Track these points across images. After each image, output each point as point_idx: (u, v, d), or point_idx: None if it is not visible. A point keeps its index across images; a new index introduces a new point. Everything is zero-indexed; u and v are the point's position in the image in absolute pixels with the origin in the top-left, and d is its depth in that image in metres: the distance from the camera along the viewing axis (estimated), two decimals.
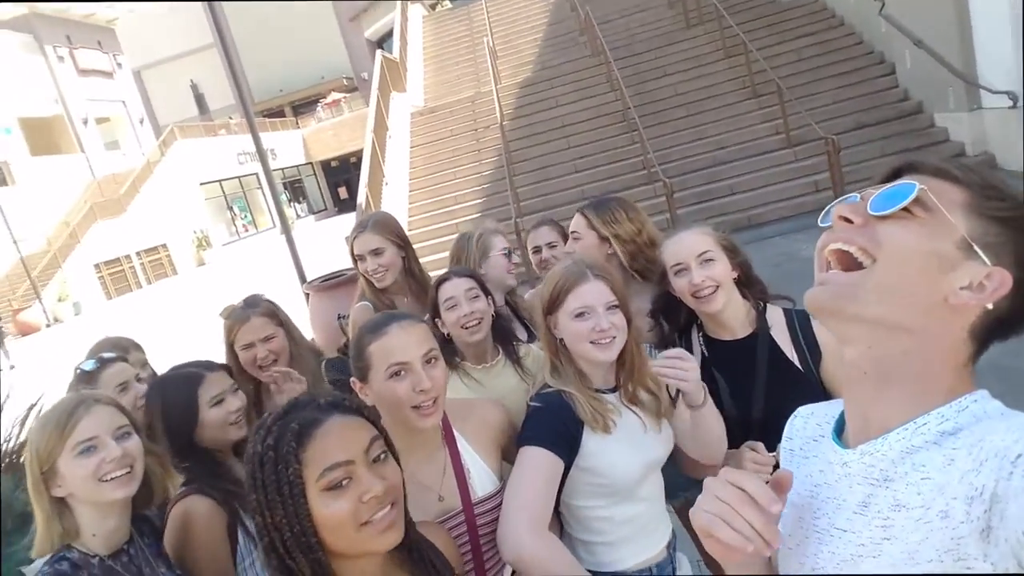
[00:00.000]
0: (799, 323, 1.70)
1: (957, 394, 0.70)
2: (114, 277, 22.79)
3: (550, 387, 1.52)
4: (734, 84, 10.25)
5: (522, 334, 2.20)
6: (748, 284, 1.75)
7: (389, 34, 17.09)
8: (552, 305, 1.52)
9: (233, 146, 29.91)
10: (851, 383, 0.76)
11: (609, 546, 1.52)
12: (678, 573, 1.63)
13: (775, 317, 1.73)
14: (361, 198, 9.43)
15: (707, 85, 10.47)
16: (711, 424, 1.54)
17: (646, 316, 1.88)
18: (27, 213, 21.39)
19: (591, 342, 1.47)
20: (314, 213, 34.67)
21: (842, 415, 0.81)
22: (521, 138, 11.01)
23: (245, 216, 31.72)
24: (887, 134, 8.49)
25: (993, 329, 0.71)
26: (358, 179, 10.02)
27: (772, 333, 1.70)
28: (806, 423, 0.88)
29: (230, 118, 32.66)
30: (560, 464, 1.41)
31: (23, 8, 24.79)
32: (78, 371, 2.10)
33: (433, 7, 21.97)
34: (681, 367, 1.46)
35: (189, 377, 1.72)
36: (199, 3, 32.78)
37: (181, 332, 10.67)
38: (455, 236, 2.56)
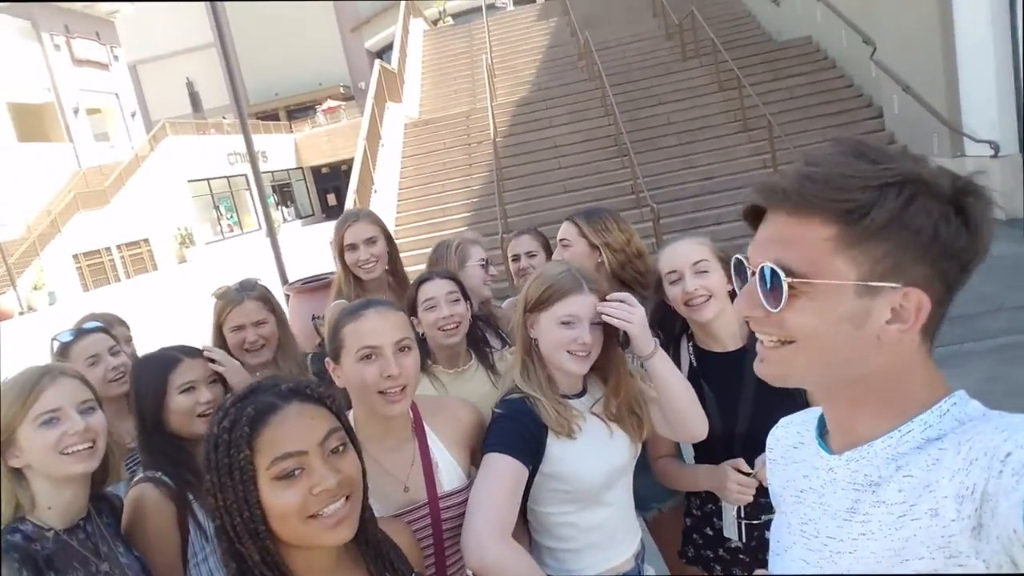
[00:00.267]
0: None
1: (934, 398, 0.70)
2: (92, 269, 22.43)
3: (517, 391, 1.50)
4: (726, 117, 10.41)
5: (496, 343, 2.18)
6: None
7: (389, 46, 17.22)
8: (537, 304, 1.50)
9: (224, 146, 29.78)
10: (825, 404, 0.78)
11: (575, 553, 1.50)
12: None
13: None
14: (349, 204, 9.40)
15: (700, 116, 10.62)
16: (669, 380, 1.51)
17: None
18: (9, 199, 21.06)
19: (568, 351, 1.45)
20: (301, 218, 34.52)
21: (823, 418, 0.80)
22: (513, 155, 11.07)
23: (231, 216, 31.47)
24: None
25: (933, 317, 0.68)
26: (348, 187, 10.00)
27: None
28: (786, 432, 0.89)
29: (224, 118, 32.53)
30: (525, 471, 1.39)
31: None
32: (55, 342, 2.06)
33: (435, 23, 22.20)
34: (627, 309, 1.45)
35: (164, 359, 1.68)
36: (201, 2, 32.87)
37: (157, 328, 10.50)
38: None
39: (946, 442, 0.65)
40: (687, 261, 1.68)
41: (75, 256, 21.77)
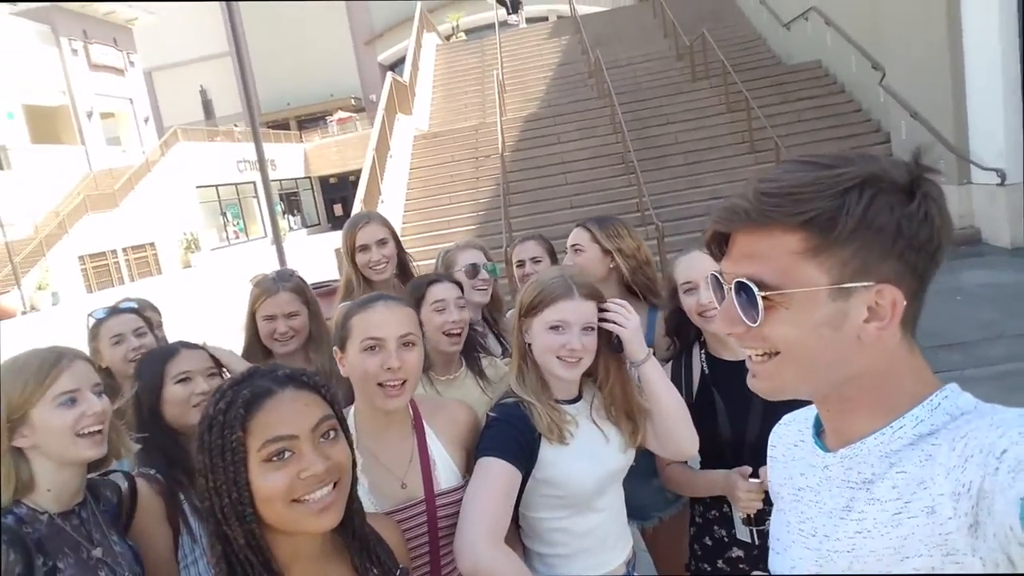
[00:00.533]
0: None
1: (924, 392, 0.69)
2: (97, 271, 22.51)
3: (511, 396, 1.50)
4: (734, 138, 10.45)
5: (496, 348, 2.17)
6: None
7: (401, 60, 17.40)
8: (529, 310, 1.51)
9: (234, 153, 30.00)
10: (819, 406, 0.79)
11: (566, 559, 1.48)
12: None
13: None
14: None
15: (707, 136, 10.67)
16: (660, 390, 1.52)
17: (662, 335, 1.89)
18: (19, 199, 21.23)
19: (558, 357, 1.45)
20: (307, 227, 34.68)
21: (819, 417, 0.81)
22: (520, 170, 11.12)
23: (237, 223, 31.64)
24: None
25: (909, 310, 0.69)
26: (355, 197, 10.04)
27: None
28: (788, 429, 0.89)
29: (235, 126, 32.84)
30: (518, 475, 1.39)
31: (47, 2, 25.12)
32: (90, 318, 2.16)
33: (448, 38, 22.43)
34: (623, 313, 1.48)
35: (163, 350, 1.71)
36: (218, 11, 33.36)
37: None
38: None
39: (939, 437, 0.65)
40: (702, 272, 1.68)
41: (81, 257, 21.87)
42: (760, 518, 1.56)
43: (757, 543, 1.63)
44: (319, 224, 35.61)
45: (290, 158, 32.60)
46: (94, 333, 2.13)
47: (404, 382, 1.36)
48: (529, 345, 1.51)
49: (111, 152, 27.77)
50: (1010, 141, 7.12)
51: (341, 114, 35.39)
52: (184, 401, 1.63)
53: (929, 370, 0.71)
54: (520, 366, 1.52)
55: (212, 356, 1.75)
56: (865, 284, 0.66)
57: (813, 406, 0.85)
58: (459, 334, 1.84)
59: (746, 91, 10.08)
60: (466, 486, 1.40)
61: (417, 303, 1.84)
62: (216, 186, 29.51)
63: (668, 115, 11.46)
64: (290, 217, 33.70)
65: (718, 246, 0.75)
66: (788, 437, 0.88)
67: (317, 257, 13.86)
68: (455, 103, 15.13)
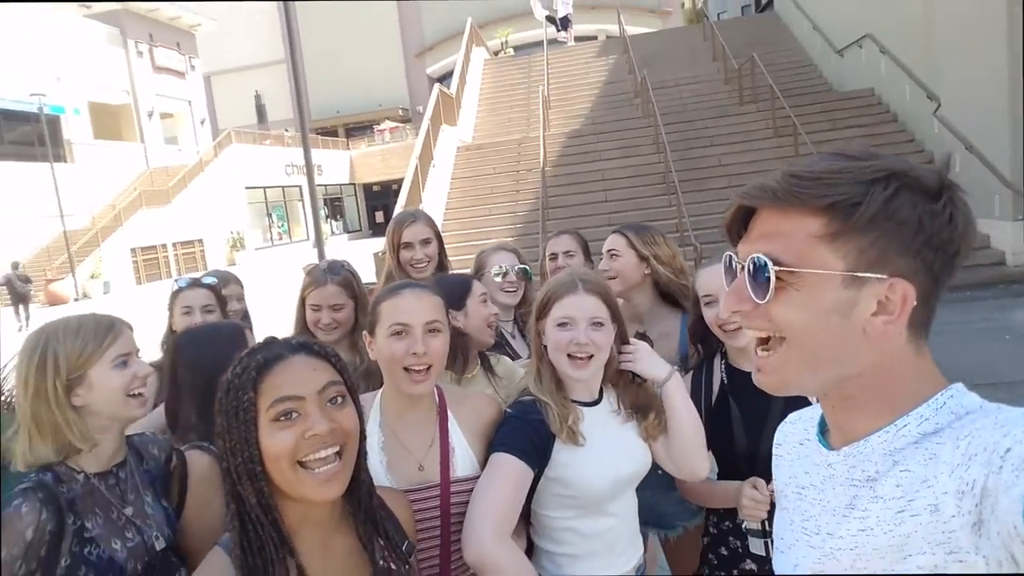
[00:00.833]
0: None
1: (929, 392, 0.69)
2: (147, 263, 23.34)
3: (530, 393, 1.51)
4: (780, 163, 10.22)
5: (524, 351, 2.18)
6: None
7: (450, 73, 17.68)
8: (541, 311, 1.54)
9: (283, 157, 30.85)
10: (823, 403, 0.78)
11: (573, 559, 1.48)
12: None
13: None
14: None
15: (753, 160, 10.54)
16: (678, 407, 1.53)
17: (679, 342, 1.90)
18: (79, 191, 22.21)
19: (568, 355, 1.46)
20: (349, 232, 35.31)
21: (824, 415, 0.80)
22: (560, 185, 11.16)
23: (282, 225, 32.42)
24: None
25: (920, 311, 0.68)
26: (396, 205, 10.21)
27: None
28: (794, 428, 0.89)
29: (285, 130, 33.77)
30: (530, 473, 1.40)
31: (117, 5, 26.41)
32: (175, 283, 2.31)
33: (496, 53, 22.72)
34: (628, 349, 1.54)
35: (235, 329, 1.75)
36: (274, 21, 34.50)
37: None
38: None
39: (943, 436, 0.65)
40: (723, 286, 1.67)
41: (133, 250, 22.71)
42: (769, 529, 1.54)
43: (770, 556, 1.60)
44: (360, 230, 36.25)
45: (336, 164, 33.33)
46: (172, 300, 2.26)
47: (429, 367, 1.39)
48: (546, 347, 1.53)
49: (168, 151, 28.88)
50: None
51: (389, 123, 36.09)
52: None
53: (938, 372, 0.70)
54: (538, 367, 1.54)
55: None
56: (879, 276, 0.66)
57: (816, 406, 0.85)
58: (495, 327, 1.89)
59: (794, 116, 9.95)
60: None
61: (462, 296, 1.85)
62: (264, 188, 30.35)
63: (713, 137, 11.38)
64: (333, 222, 34.40)
65: (737, 230, 0.76)
66: (794, 435, 0.88)
67: (357, 261, 14.09)
68: (500, 117, 15.30)
